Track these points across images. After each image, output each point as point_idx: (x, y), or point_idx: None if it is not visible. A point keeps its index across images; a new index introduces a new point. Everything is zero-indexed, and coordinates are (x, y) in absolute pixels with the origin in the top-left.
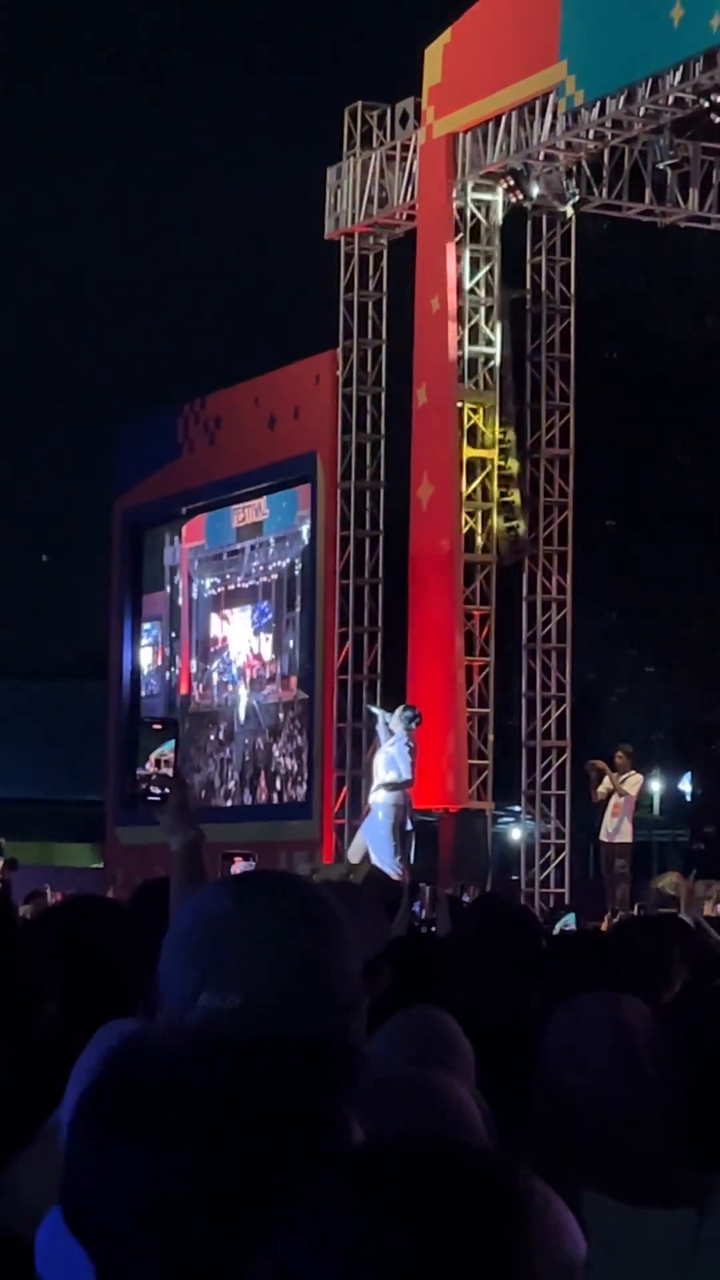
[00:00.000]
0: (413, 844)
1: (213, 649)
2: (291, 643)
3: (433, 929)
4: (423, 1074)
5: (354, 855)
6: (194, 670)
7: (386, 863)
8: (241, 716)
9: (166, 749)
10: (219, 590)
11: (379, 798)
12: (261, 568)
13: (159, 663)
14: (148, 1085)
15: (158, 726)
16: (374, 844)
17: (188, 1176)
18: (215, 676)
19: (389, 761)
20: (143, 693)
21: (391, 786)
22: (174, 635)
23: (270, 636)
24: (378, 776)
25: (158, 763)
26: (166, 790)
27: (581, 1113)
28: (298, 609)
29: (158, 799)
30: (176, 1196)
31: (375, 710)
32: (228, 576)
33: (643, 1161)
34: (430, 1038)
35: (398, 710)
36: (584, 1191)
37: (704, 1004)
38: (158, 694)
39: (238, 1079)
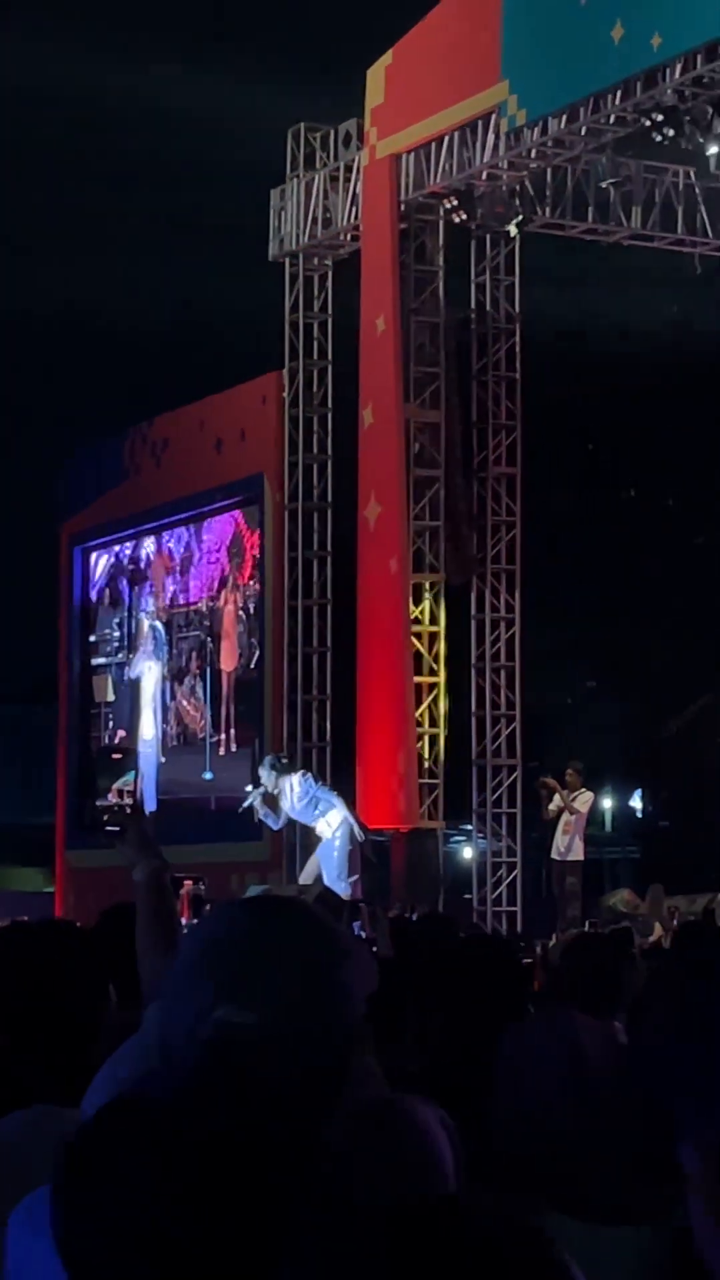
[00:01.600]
0: (359, 861)
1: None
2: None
3: (374, 949)
4: (393, 1099)
5: (306, 877)
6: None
7: (337, 883)
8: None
9: (127, 779)
10: (169, 612)
11: (321, 826)
12: (209, 590)
13: (110, 688)
14: (134, 1135)
15: (117, 756)
16: (325, 865)
17: (169, 1222)
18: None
19: (310, 806)
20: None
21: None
22: (127, 657)
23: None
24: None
25: (120, 794)
26: (125, 822)
27: (537, 1132)
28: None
29: (117, 831)
30: (159, 1243)
31: (257, 792)
32: (176, 598)
33: (600, 1179)
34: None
35: (263, 770)
36: (546, 1212)
37: (654, 1018)
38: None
39: (225, 1131)
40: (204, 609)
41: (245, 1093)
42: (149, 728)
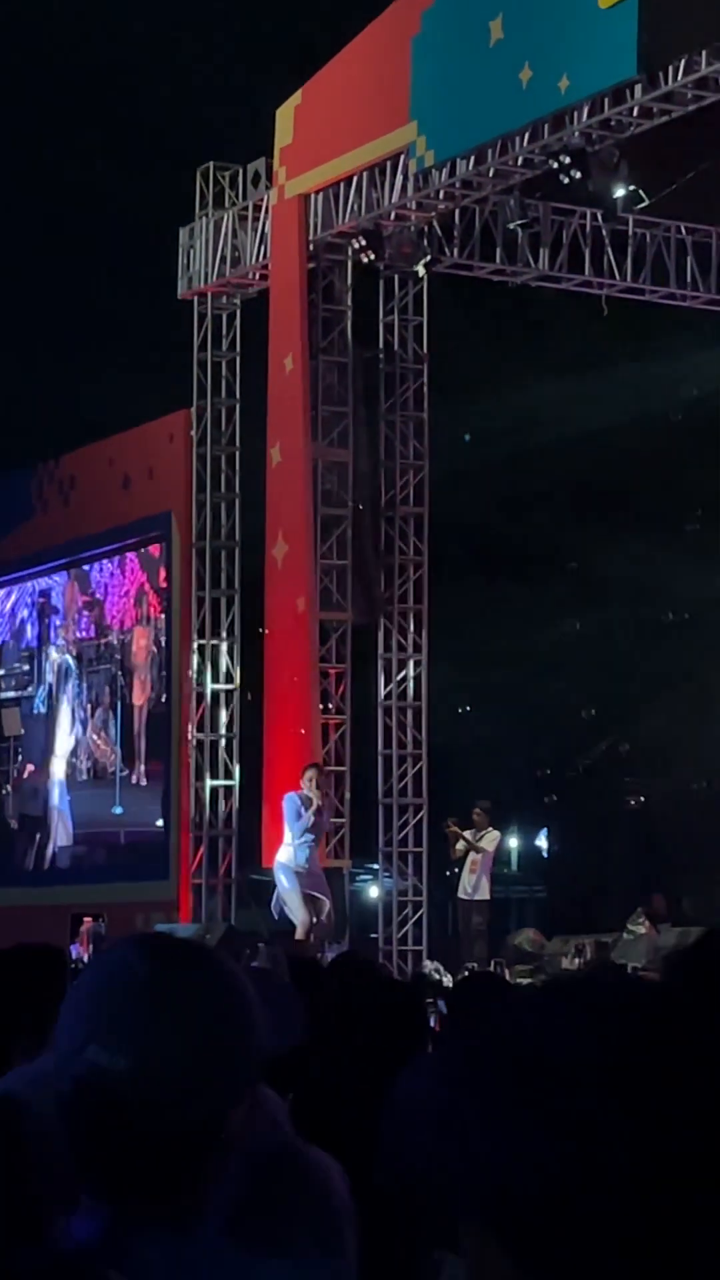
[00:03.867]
0: (316, 897)
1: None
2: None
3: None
4: (296, 1147)
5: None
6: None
7: (294, 914)
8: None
9: None
10: (79, 646)
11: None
12: (120, 625)
13: (19, 722)
14: None
15: None
16: (284, 898)
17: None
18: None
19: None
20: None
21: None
22: (35, 690)
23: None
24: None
25: None
26: None
27: (422, 1174)
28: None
29: None
30: None
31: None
32: (87, 631)
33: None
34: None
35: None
36: (438, 1253)
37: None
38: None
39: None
40: (114, 642)
41: (105, 1135)
42: (60, 762)
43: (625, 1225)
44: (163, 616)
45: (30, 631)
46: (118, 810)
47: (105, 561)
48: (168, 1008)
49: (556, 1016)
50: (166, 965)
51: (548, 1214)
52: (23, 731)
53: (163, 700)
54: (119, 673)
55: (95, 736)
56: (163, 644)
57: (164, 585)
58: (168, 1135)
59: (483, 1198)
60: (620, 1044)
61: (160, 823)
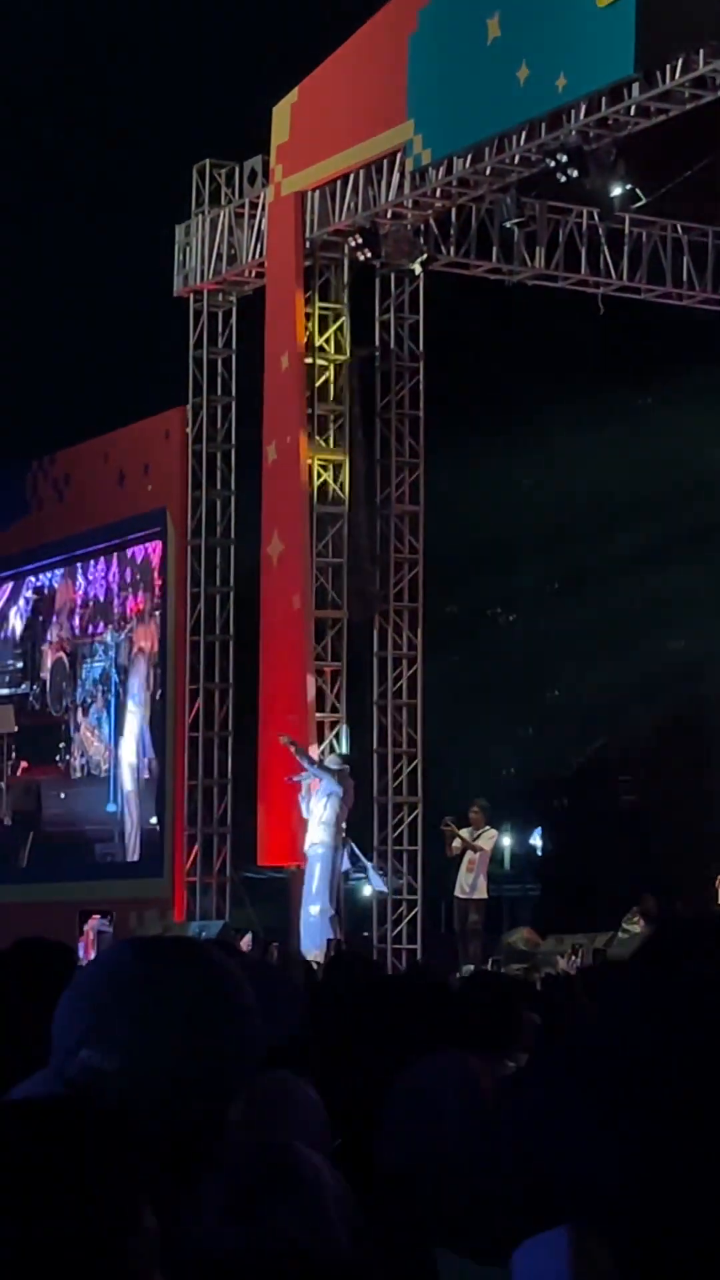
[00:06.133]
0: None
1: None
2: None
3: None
4: (282, 1149)
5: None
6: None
7: (324, 914)
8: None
9: None
10: (74, 643)
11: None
12: (116, 623)
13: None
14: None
15: None
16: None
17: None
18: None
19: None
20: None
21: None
22: (31, 688)
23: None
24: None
25: None
26: None
27: (433, 1173)
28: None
29: None
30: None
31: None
32: (84, 629)
33: (497, 1220)
34: (284, 1105)
35: (336, 757)
36: (440, 1252)
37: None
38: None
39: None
40: (109, 641)
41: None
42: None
43: None
44: (157, 615)
45: (24, 628)
46: (111, 808)
47: (101, 559)
48: (159, 1009)
49: (653, 1020)
50: (159, 965)
51: (653, 1212)
52: (16, 729)
53: (157, 699)
54: (114, 670)
55: (89, 734)
56: (157, 641)
57: (159, 582)
58: (162, 1133)
59: (587, 1194)
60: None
61: (154, 820)
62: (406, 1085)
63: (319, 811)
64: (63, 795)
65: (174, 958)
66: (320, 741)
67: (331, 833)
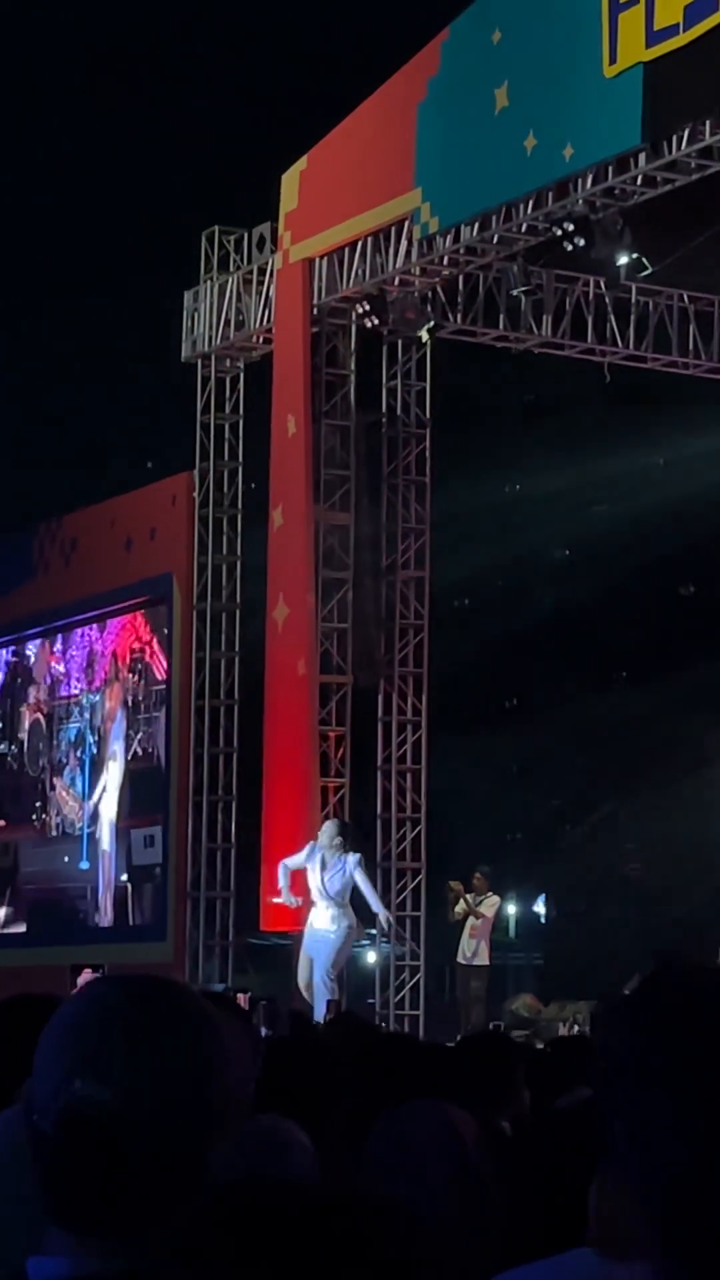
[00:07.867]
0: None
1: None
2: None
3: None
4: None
5: (303, 976)
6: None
7: (325, 980)
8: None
9: None
10: (50, 705)
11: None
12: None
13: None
14: None
15: None
16: (319, 956)
17: None
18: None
19: (341, 890)
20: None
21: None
22: (9, 748)
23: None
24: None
25: None
26: None
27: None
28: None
29: None
30: None
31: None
32: (56, 690)
33: (475, 1269)
34: (275, 1148)
35: (331, 831)
36: None
37: (553, 1124)
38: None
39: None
40: (84, 703)
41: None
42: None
43: None
44: (133, 676)
45: (2, 690)
46: (84, 865)
47: (96, 624)
48: (147, 1040)
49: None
50: (143, 1000)
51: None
52: None
53: (147, 756)
54: (89, 731)
55: (64, 793)
56: (129, 702)
57: (141, 643)
58: (152, 1166)
59: (641, 1154)
60: None
61: (125, 877)
62: (386, 1130)
63: (336, 889)
64: (39, 853)
65: (155, 992)
66: (324, 805)
67: (348, 911)
